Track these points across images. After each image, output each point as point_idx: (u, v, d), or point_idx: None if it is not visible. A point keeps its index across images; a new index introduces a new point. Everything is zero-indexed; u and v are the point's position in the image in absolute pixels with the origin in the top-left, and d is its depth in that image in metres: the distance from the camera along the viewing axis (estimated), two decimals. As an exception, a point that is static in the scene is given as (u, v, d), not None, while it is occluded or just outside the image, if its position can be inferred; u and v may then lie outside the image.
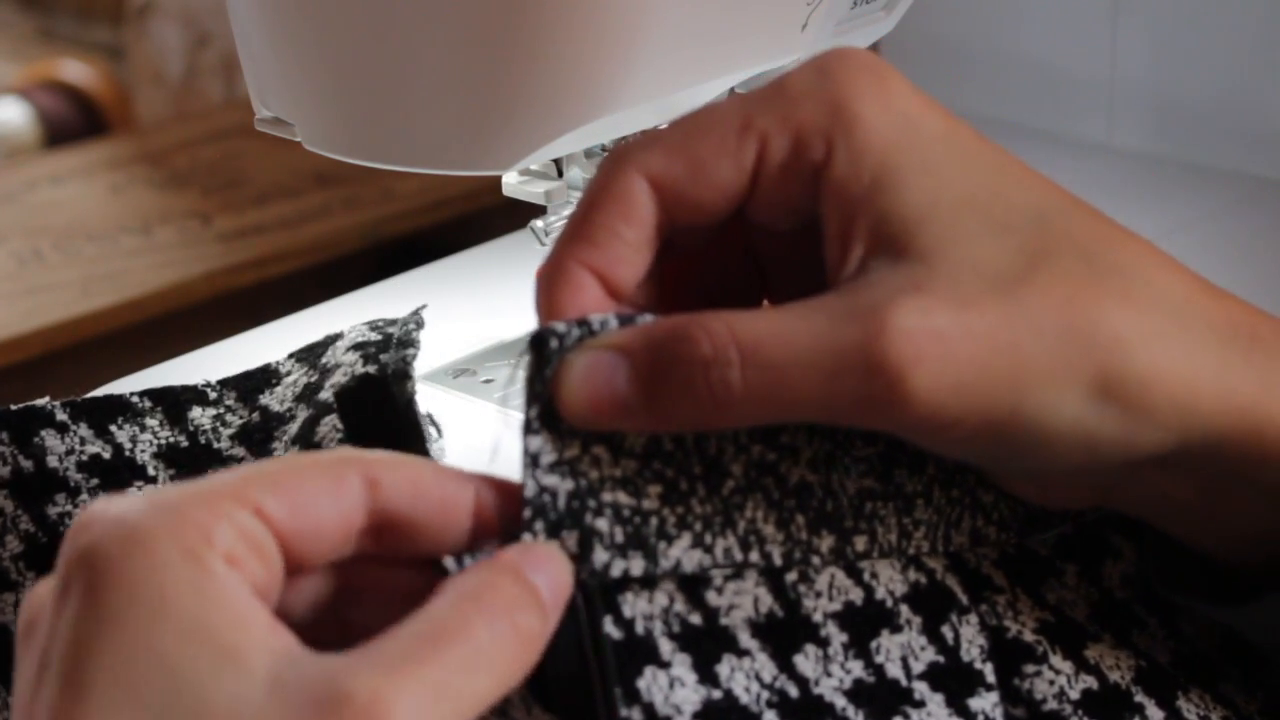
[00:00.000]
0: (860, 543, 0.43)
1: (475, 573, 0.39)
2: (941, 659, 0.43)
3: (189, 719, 0.36)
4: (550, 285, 0.42)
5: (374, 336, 0.55)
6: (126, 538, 0.37)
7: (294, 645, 0.37)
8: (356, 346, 0.54)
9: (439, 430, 0.57)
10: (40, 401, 0.55)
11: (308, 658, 0.37)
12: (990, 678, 0.44)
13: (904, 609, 0.44)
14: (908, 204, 0.41)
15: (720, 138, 0.43)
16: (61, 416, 0.55)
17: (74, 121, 1.50)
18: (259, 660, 0.37)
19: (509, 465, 0.42)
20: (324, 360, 0.56)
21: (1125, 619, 0.47)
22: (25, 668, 0.38)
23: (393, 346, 0.54)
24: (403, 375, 0.52)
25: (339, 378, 0.54)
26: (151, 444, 0.55)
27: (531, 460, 0.41)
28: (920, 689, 0.43)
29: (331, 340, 0.57)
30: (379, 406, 0.52)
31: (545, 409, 0.41)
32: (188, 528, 0.38)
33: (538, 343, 0.41)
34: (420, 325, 0.56)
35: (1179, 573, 0.47)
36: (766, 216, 0.44)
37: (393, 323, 0.56)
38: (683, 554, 0.42)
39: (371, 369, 0.52)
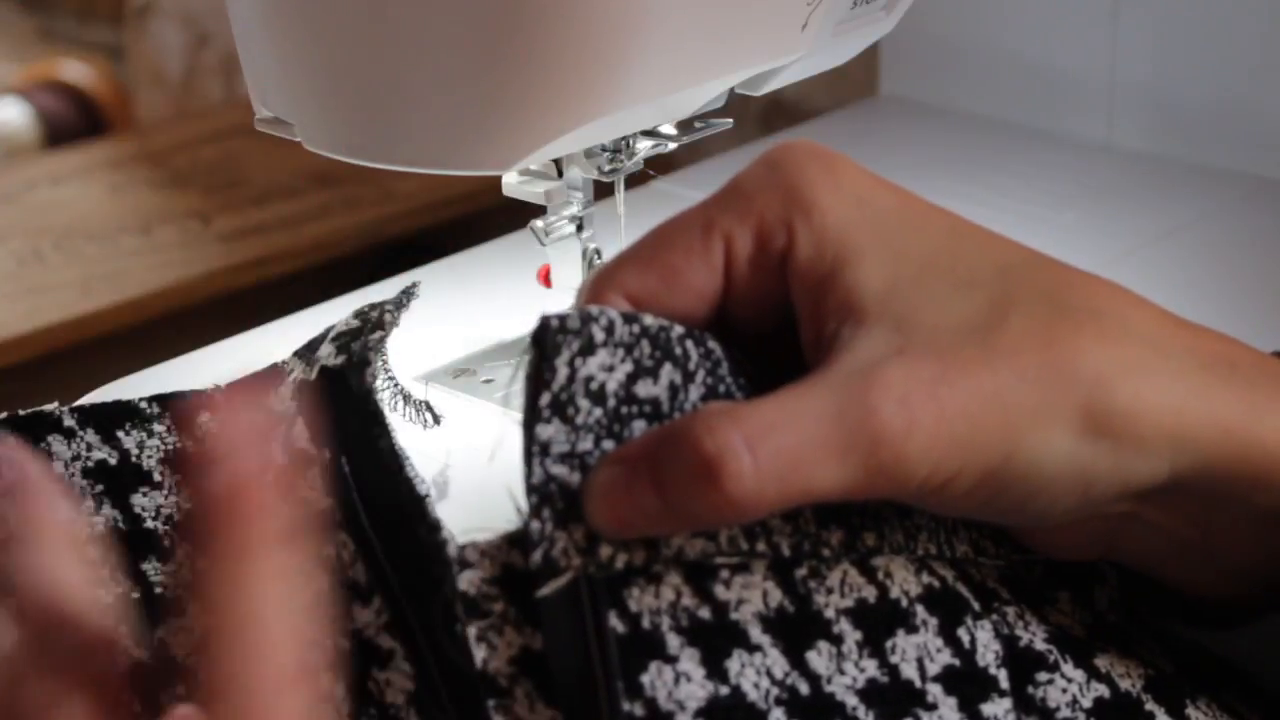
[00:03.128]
0: (870, 538, 0.43)
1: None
2: (957, 662, 0.43)
3: None
4: None
5: (354, 324, 0.52)
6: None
7: None
8: (336, 337, 0.52)
9: (435, 418, 0.56)
10: (49, 406, 0.54)
11: None
12: (1004, 684, 0.43)
13: (920, 609, 0.43)
14: (873, 276, 0.42)
15: (687, 243, 0.44)
16: (69, 422, 0.54)
17: (74, 121, 1.50)
18: None
19: (510, 465, 0.42)
20: (317, 354, 0.55)
21: (1122, 640, 0.46)
22: None
23: (366, 332, 0.51)
24: (362, 364, 0.49)
25: (301, 374, 0.52)
26: (159, 449, 0.55)
27: (541, 448, 0.41)
28: (934, 691, 0.43)
29: (327, 332, 0.56)
30: (343, 400, 0.49)
31: (555, 398, 0.41)
32: None
33: (541, 335, 0.41)
34: (402, 305, 0.54)
35: (1161, 602, 0.47)
36: (743, 315, 0.45)
37: (377, 306, 0.54)
38: (685, 541, 0.42)
39: (340, 360, 0.50)
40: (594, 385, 0.41)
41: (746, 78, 0.64)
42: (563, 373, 0.41)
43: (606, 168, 0.66)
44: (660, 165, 0.71)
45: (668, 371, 0.42)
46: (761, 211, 0.44)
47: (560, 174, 0.67)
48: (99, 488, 0.54)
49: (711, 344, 0.43)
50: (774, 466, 0.40)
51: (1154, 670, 0.45)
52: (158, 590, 0.53)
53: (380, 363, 0.55)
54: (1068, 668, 0.44)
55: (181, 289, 1.03)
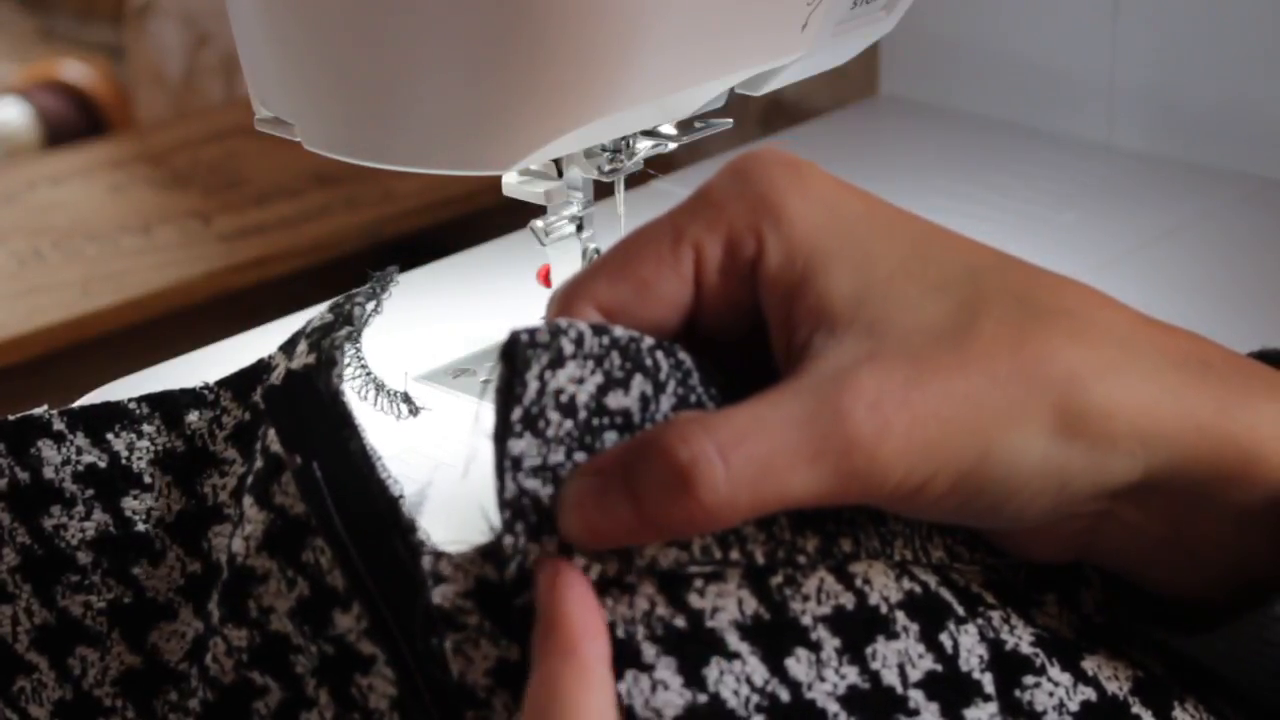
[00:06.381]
0: (846, 544, 0.43)
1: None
2: (940, 668, 0.43)
3: None
4: None
5: (328, 318, 0.51)
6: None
7: None
8: (310, 333, 0.50)
9: (413, 409, 0.55)
10: (38, 411, 0.54)
11: None
12: (989, 688, 0.43)
13: (900, 615, 0.43)
14: (844, 282, 0.42)
15: (657, 253, 0.44)
16: (59, 426, 0.53)
17: (74, 121, 1.50)
18: None
19: (484, 468, 0.42)
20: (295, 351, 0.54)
21: (1110, 642, 0.46)
22: None
23: (337, 327, 0.50)
24: (329, 364, 0.48)
25: (276, 377, 0.51)
26: (149, 451, 0.54)
27: (513, 463, 0.41)
28: (916, 697, 0.43)
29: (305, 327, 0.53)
30: (312, 402, 0.48)
31: (526, 412, 0.41)
32: None
33: (510, 349, 0.41)
34: (375, 295, 0.52)
35: (1138, 606, 0.47)
36: (714, 325, 0.45)
37: (351, 298, 0.52)
38: (658, 551, 0.42)
39: (310, 359, 0.49)
40: (564, 398, 0.41)
41: (746, 78, 0.64)
42: (533, 386, 0.41)
43: (606, 168, 0.66)
44: (660, 165, 0.71)
45: (638, 383, 0.42)
46: (730, 220, 0.43)
47: (560, 174, 0.67)
48: (89, 492, 0.53)
49: (682, 355, 0.43)
50: (747, 473, 0.39)
51: (1142, 672, 0.45)
52: (149, 594, 0.53)
53: (354, 353, 0.54)
54: (1054, 670, 0.44)
55: (181, 289, 1.03)
